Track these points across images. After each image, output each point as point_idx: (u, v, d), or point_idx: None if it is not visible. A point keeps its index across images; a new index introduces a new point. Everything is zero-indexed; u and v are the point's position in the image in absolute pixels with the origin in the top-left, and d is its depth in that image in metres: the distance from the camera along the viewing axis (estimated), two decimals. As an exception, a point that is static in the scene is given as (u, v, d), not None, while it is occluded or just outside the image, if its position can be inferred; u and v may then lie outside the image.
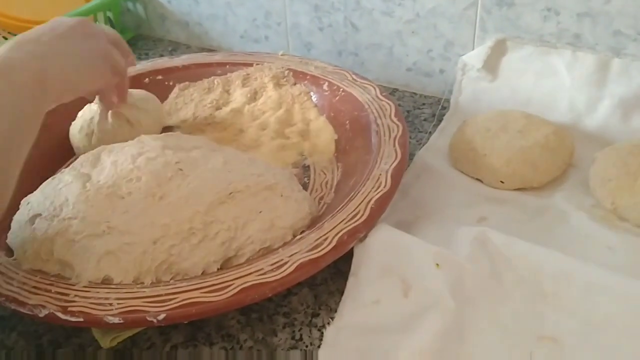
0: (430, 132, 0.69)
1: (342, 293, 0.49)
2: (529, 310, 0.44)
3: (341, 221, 0.49)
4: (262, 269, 0.45)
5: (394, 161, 0.54)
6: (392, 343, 0.42)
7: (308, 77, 0.71)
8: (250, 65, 0.74)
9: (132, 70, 0.74)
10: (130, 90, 0.65)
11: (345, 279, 0.50)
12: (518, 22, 0.69)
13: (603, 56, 0.65)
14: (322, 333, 0.46)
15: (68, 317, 0.43)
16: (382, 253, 0.48)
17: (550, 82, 0.67)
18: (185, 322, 0.47)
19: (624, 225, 0.53)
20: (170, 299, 0.43)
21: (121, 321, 0.42)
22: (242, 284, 0.44)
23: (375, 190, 0.51)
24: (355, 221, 0.49)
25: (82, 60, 0.52)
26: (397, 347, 0.41)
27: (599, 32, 0.65)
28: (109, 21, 0.94)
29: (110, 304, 0.43)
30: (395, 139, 0.57)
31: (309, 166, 0.63)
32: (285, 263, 0.45)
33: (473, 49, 0.73)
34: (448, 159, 0.63)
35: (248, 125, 0.69)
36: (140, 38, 1.00)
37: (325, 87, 0.69)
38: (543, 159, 0.57)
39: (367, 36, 0.80)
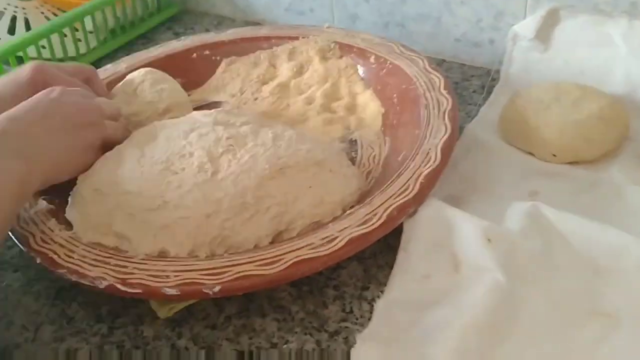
0: (479, 105, 0.68)
1: (391, 267, 0.50)
2: (583, 286, 0.44)
3: (391, 196, 0.49)
4: (312, 243, 0.46)
5: (444, 135, 0.53)
6: (442, 317, 0.42)
7: (354, 49, 0.70)
8: (296, 38, 0.74)
9: (180, 45, 0.76)
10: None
11: (394, 253, 0.50)
12: (572, -10, 0.66)
13: (662, 24, 0.62)
14: (372, 306, 0.47)
15: (127, 289, 0.44)
16: (432, 228, 0.48)
17: (605, 53, 0.65)
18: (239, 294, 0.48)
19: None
20: (225, 272, 0.44)
21: (178, 293, 0.44)
22: (293, 258, 0.45)
23: (425, 165, 0.51)
24: (405, 196, 0.49)
25: (72, 153, 0.51)
26: (448, 321, 0.41)
27: (658, -1, 0.62)
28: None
29: (167, 277, 0.44)
30: (445, 112, 0.56)
31: (356, 140, 0.63)
32: (336, 238, 0.46)
33: (524, 19, 0.71)
34: (498, 132, 0.62)
35: (294, 99, 0.69)
36: (185, 12, 1.01)
37: (372, 60, 0.68)
38: (597, 132, 0.56)
39: (414, 7, 0.78)
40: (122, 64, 0.74)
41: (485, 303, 0.42)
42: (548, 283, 0.44)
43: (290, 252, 0.45)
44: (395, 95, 0.64)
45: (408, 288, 0.45)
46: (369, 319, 0.46)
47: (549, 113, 0.58)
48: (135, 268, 0.46)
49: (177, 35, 0.93)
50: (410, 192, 0.49)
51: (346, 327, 0.46)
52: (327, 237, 0.46)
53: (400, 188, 0.49)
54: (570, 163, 0.57)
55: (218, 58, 0.75)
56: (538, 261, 0.45)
